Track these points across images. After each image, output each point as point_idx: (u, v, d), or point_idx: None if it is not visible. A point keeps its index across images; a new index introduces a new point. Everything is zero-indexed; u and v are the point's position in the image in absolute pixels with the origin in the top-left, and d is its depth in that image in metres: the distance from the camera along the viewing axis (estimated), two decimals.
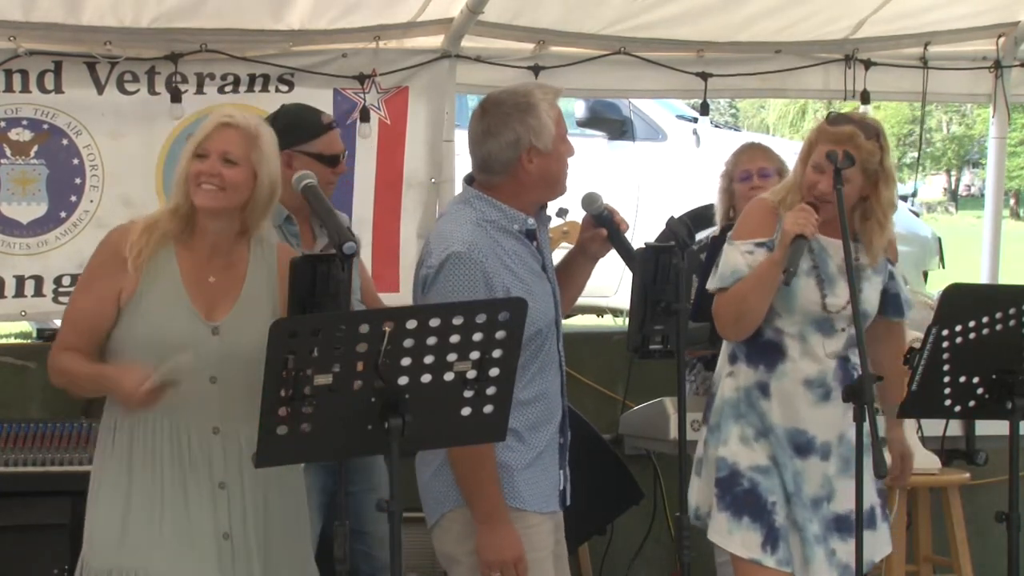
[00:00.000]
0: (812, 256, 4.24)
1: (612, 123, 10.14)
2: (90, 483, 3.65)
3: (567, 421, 3.98)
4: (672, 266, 3.94)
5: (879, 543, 4.31)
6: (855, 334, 4.03)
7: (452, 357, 3.19)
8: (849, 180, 4.13)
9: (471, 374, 3.22)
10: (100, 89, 5.61)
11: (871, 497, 4.23)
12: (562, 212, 4.39)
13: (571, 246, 4.24)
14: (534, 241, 3.91)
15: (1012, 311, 3.73)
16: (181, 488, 3.52)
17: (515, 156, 3.81)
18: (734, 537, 4.26)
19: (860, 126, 4.17)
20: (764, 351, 4.28)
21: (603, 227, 3.98)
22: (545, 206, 4.02)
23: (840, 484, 4.22)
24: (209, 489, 3.53)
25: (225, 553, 3.53)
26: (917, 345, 3.93)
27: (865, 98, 6.43)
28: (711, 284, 4.29)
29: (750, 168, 5.27)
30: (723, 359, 4.39)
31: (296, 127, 4.88)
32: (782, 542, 4.22)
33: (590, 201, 3.99)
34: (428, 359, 3.16)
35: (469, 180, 3.94)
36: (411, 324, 3.12)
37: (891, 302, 4.34)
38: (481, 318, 3.18)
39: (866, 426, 3.84)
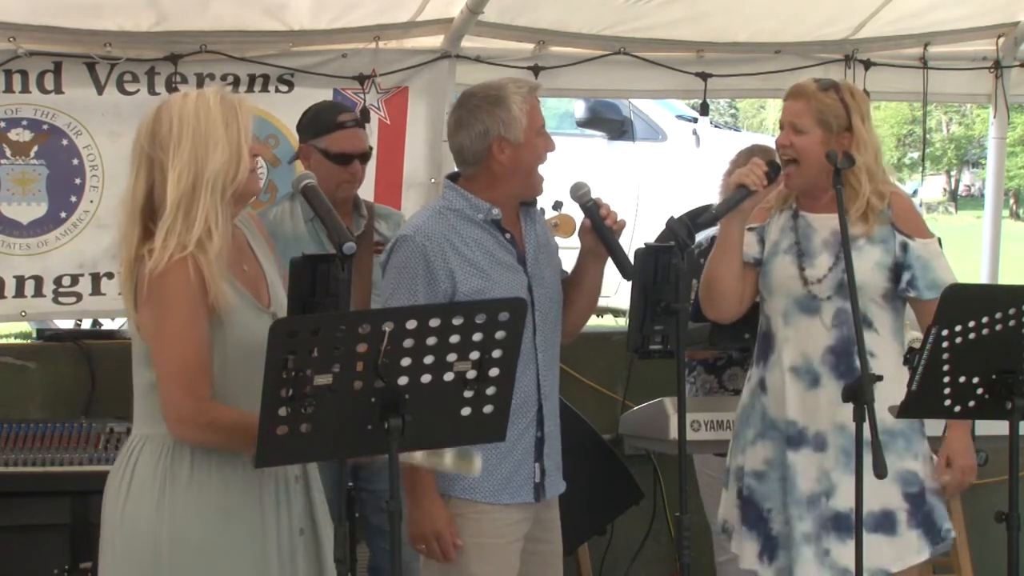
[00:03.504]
0: (795, 232, 4.25)
1: (612, 123, 10.17)
2: (140, 507, 3.33)
3: (544, 415, 4.02)
4: (672, 266, 3.95)
5: (900, 550, 4.14)
6: (851, 309, 3.97)
7: (452, 357, 3.18)
8: (806, 132, 4.15)
9: (471, 374, 3.21)
10: (100, 89, 5.62)
11: (890, 499, 4.12)
12: (557, 204, 4.41)
13: (562, 238, 4.27)
14: (506, 233, 3.99)
15: (1012, 311, 3.72)
16: (272, 483, 3.41)
17: (485, 147, 3.94)
18: (742, 548, 4.26)
19: (817, 80, 4.22)
20: (763, 344, 4.29)
21: (588, 218, 4.00)
22: (532, 203, 4.10)
23: (842, 480, 4.07)
24: (284, 485, 3.45)
25: (297, 549, 3.44)
26: (917, 345, 3.93)
27: None
28: None
29: None
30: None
31: (311, 122, 4.98)
32: (780, 550, 4.17)
33: (576, 189, 4.04)
34: (428, 359, 3.16)
35: (453, 177, 4.07)
36: (411, 324, 3.12)
37: (916, 278, 4.18)
38: (481, 318, 3.18)
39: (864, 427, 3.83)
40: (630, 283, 4.04)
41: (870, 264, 4.18)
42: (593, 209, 3.99)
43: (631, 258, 3.99)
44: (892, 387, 3.90)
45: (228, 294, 3.32)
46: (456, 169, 4.10)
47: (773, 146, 5.55)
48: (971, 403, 3.82)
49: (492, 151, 3.93)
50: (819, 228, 4.22)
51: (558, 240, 4.35)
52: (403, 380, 3.16)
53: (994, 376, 3.79)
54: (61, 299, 5.64)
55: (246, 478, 3.37)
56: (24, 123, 5.58)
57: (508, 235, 4.00)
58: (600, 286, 4.16)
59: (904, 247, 4.19)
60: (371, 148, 5.05)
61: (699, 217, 4.15)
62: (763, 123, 35.81)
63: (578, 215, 4.14)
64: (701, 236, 5.32)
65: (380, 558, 4.90)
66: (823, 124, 4.14)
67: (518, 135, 3.92)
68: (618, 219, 4.00)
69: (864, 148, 4.15)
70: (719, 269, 4.25)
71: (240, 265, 3.46)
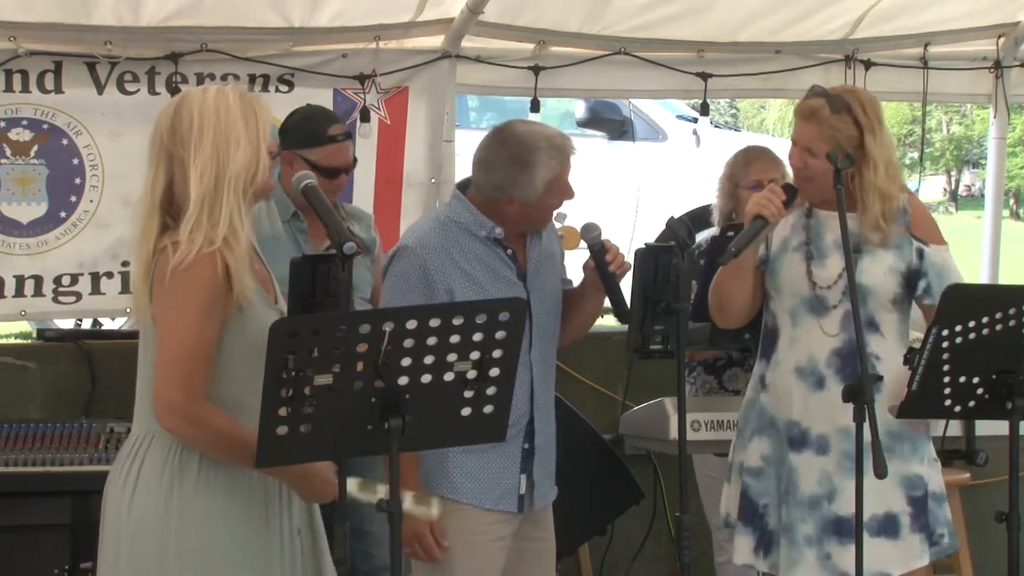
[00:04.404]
0: (806, 231, 4.22)
1: (612, 123, 10.18)
2: (144, 506, 3.32)
3: (534, 427, 4.04)
4: (672, 266, 3.97)
5: (903, 555, 4.12)
6: (851, 309, 3.94)
7: (452, 357, 3.18)
8: (816, 154, 4.09)
9: (471, 374, 3.21)
10: (100, 89, 5.61)
11: (893, 503, 4.11)
12: (560, 217, 4.43)
13: (566, 251, 4.31)
14: (508, 249, 4.03)
15: (1012, 311, 3.73)
16: (275, 484, 3.40)
17: (497, 196, 3.99)
18: (736, 543, 4.25)
19: (828, 98, 4.10)
20: (766, 341, 4.27)
21: (593, 259, 4.03)
22: None
23: (844, 483, 4.05)
24: (285, 486, 3.44)
25: (295, 549, 3.43)
26: (917, 345, 3.93)
27: None
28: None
29: (762, 178, 5.24)
30: None
31: (300, 131, 4.90)
32: (775, 546, 4.17)
33: (588, 230, 4.06)
34: (428, 359, 3.16)
35: (463, 186, 4.10)
36: (411, 324, 3.12)
37: (931, 286, 4.14)
38: (481, 318, 3.18)
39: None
40: (630, 284, 4.05)
41: (882, 269, 4.15)
42: (600, 252, 4.02)
43: (631, 258, 4.01)
44: (896, 391, 3.90)
45: (250, 288, 3.32)
46: (466, 175, 4.12)
47: (771, 147, 5.61)
48: (971, 403, 3.83)
49: (501, 202, 3.99)
50: (830, 227, 4.18)
51: None
52: (403, 380, 3.16)
53: (994, 376, 3.80)
54: (61, 299, 5.63)
55: (252, 479, 3.36)
56: (24, 123, 5.58)
57: (510, 251, 4.05)
58: (599, 309, 4.23)
59: (920, 254, 4.18)
60: (356, 159, 5.02)
61: (719, 257, 4.12)
62: (763, 123, 35.80)
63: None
64: (701, 236, 5.33)
65: (356, 559, 4.89)
66: (836, 148, 4.07)
67: (530, 199, 3.96)
68: (623, 263, 4.03)
69: (874, 167, 4.10)
70: (732, 288, 4.22)
71: (252, 264, 3.45)
